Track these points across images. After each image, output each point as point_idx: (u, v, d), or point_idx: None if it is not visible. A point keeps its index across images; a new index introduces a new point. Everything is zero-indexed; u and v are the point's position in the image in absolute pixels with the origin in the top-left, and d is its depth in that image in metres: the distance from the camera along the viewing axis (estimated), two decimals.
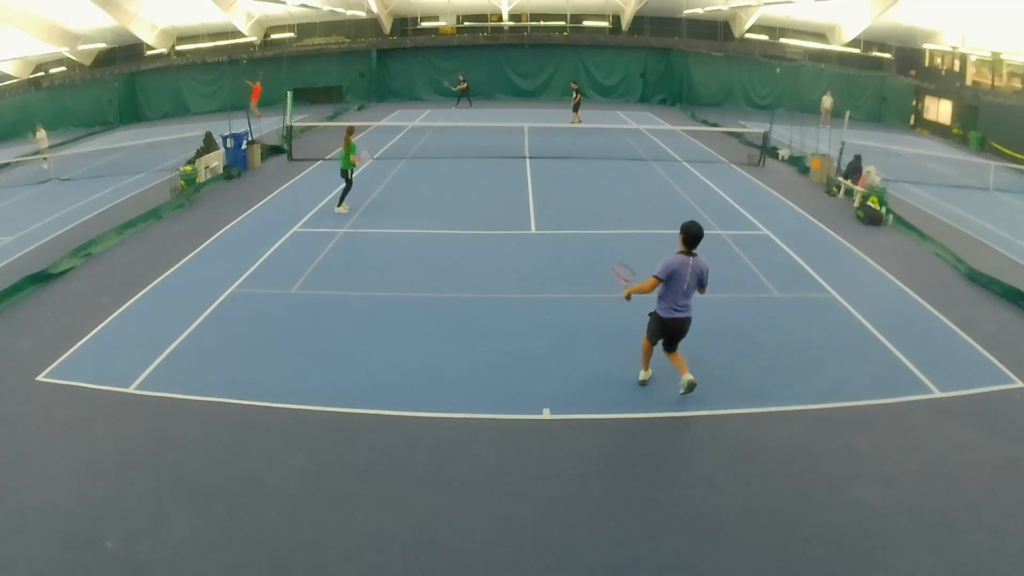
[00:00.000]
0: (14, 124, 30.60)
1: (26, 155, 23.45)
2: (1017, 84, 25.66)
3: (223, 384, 7.10)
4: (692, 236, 6.51)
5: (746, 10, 31.24)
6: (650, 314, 6.90)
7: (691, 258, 6.52)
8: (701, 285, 6.66)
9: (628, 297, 6.86)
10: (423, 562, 4.79)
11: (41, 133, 22.43)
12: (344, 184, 13.79)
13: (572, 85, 26.77)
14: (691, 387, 6.68)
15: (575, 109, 25.38)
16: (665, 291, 6.61)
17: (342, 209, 13.62)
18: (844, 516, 5.23)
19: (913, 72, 30.81)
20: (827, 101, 27.84)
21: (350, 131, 14.00)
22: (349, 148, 13.50)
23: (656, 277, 6.54)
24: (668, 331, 6.77)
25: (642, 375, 7.19)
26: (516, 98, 33.64)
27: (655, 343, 6.95)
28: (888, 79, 31.28)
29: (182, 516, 5.20)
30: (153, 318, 8.81)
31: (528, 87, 34.24)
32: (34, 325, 8.71)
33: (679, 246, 6.58)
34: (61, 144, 24.69)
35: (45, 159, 21.61)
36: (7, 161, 22.42)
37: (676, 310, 6.64)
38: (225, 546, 4.93)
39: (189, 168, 15.87)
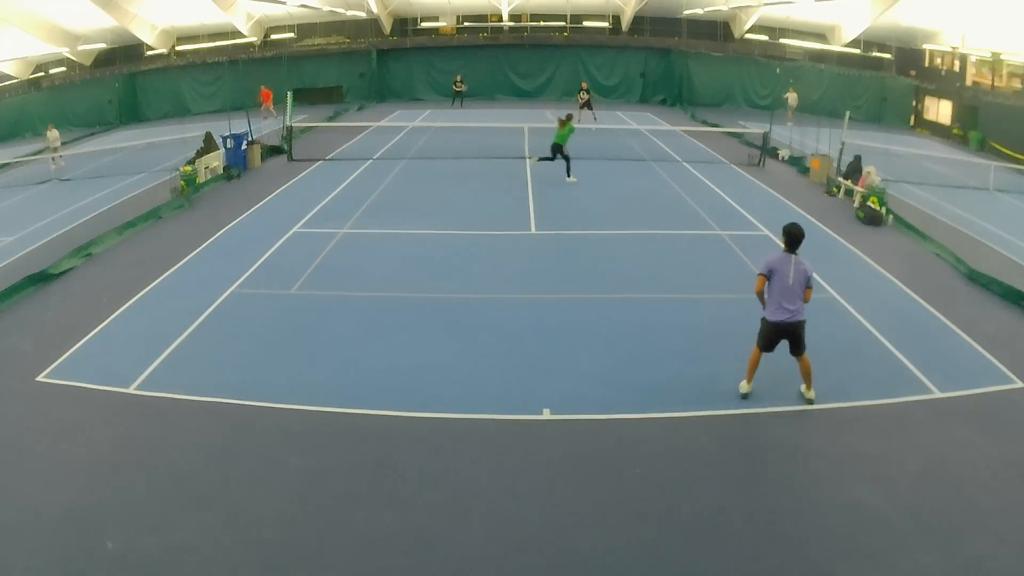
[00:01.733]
0: (14, 124, 30.62)
1: (26, 155, 23.46)
2: (1017, 84, 25.67)
3: (223, 384, 7.10)
4: (793, 237, 6.51)
5: (746, 10, 31.24)
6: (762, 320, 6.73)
7: (794, 257, 6.48)
8: (807, 290, 6.56)
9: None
10: (423, 562, 4.79)
11: (53, 132, 22.10)
12: (564, 159, 15.88)
13: (583, 85, 27.08)
14: (809, 402, 6.73)
15: (589, 107, 25.59)
16: (770, 291, 6.54)
17: (573, 179, 15.98)
18: (844, 516, 5.23)
19: (913, 72, 30.81)
20: (792, 97, 27.91)
21: (568, 117, 16.21)
22: (568, 129, 15.75)
23: (761, 274, 6.54)
24: (778, 335, 6.63)
25: (743, 387, 6.89)
26: (516, 98, 33.63)
27: (763, 349, 6.76)
28: (888, 79, 31.30)
29: (182, 516, 5.19)
30: (153, 318, 8.81)
31: (528, 87, 34.24)
32: (34, 325, 8.71)
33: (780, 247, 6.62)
34: (61, 144, 24.64)
35: (56, 157, 21.40)
36: (7, 161, 22.39)
37: (785, 311, 6.49)
38: (225, 546, 4.93)
39: (189, 168, 15.87)
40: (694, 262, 11.15)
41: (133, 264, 10.95)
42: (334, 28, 34.76)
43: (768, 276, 6.50)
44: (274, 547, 4.91)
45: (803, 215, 13.96)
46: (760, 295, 6.66)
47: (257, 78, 29.26)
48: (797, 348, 6.68)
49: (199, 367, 7.55)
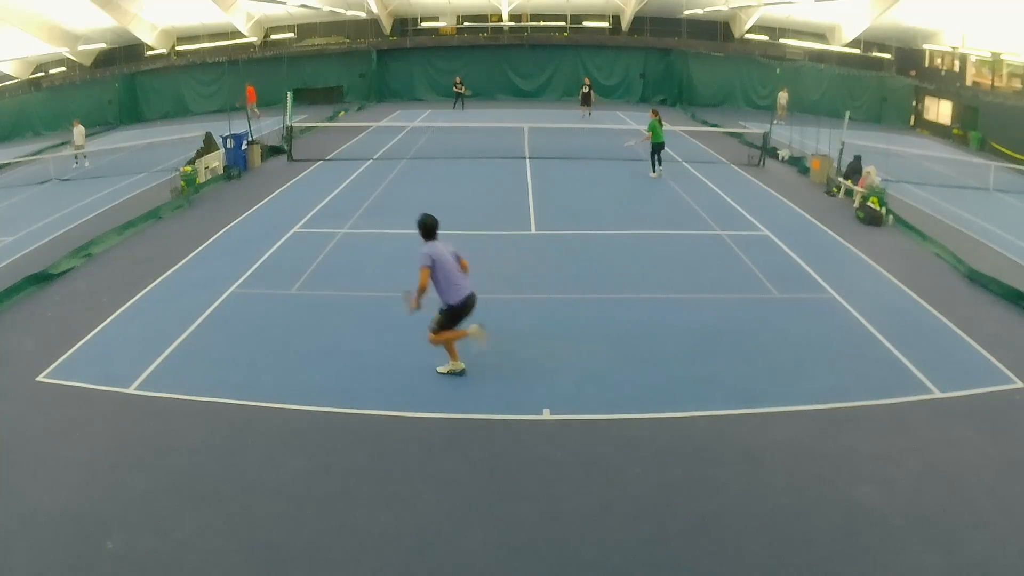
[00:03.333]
0: (14, 124, 30.60)
1: (26, 155, 23.44)
2: (1017, 84, 25.67)
3: (223, 384, 7.10)
4: (430, 227, 7.02)
5: (746, 10, 31.24)
6: (441, 311, 7.04)
7: (439, 242, 6.97)
8: (460, 258, 7.10)
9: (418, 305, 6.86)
10: (423, 562, 4.79)
11: (79, 128, 21.34)
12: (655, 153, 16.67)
13: (585, 80, 28.74)
14: (462, 373, 7.24)
15: (588, 102, 27.34)
16: (440, 278, 6.87)
17: (654, 175, 16.74)
18: (844, 516, 5.23)
19: (913, 72, 30.81)
20: (783, 97, 27.97)
21: (654, 112, 17.18)
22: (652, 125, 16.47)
23: (424, 266, 6.79)
24: (466, 313, 7.07)
25: (458, 366, 7.29)
26: (516, 98, 33.63)
27: (455, 326, 7.11)
28: (888, 79, 31.28)
29: (182, 516, 5.20)
30: (153, 318, 8.81)
31: (528, 87, 34.24)
32: (34, 325, 8.71)
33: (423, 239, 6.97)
34: (61, 144, 24.66)
35: (81, 156, 21.12)
36: (7, 161, 22.37)
37: (462, 288, 7.00)
38: (225, 546, 4.93)
39: (189, 168, 15.87)
40: (694, 262, 11.15)
41: (133, 264, 10.95)
42: (334, 28, 34.75)
43: (432, 267, 6.79)
44: (274, 547, 4.91)
45: (803, 215, 13.97)
46: (424, 288, 6.79)
47: (257, 78, 29.25)
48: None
49: (199, 367, 7.55)
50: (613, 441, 6.24)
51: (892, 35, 30.11)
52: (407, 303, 6.83)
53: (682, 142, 22.24)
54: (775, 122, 22.04)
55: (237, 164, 17.77)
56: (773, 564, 4.78)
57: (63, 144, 23.69)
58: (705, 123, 26.17)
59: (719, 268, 10.75)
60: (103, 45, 32.49)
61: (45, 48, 30.59)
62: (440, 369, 7.32)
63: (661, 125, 16.64)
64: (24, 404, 6.83)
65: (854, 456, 6.00)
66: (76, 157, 21.17)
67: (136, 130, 28.94)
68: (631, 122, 26.65)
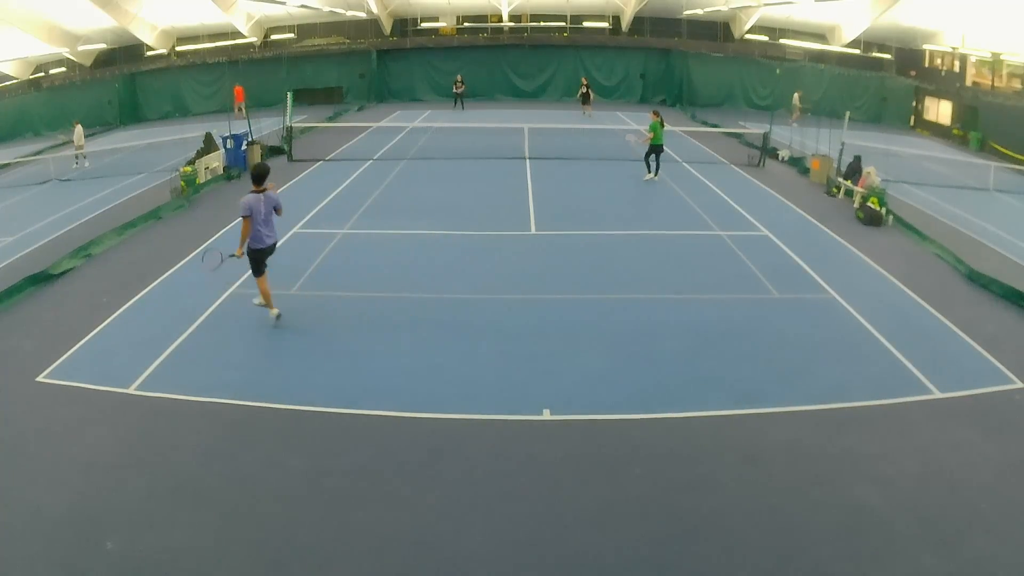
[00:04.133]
0: (14, 124, 30.61)
1: (26, 155, 23.45)
2: (1017, 84, 25.67)
3: (223, 384, 7.10)
4: (258, 175, 8.11)
5: (746, 11, 31.25)
6: (246, 252, 8.15)
7: (262, 193, 8.05)
8: (277, 210, 8.28)
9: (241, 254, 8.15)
10: (423, 562, 4.79)
11: (79, 129, 21.45)
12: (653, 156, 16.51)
13: (583, 81, 29.59)
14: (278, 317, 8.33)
15: (586, 101, 28.21)
16: (252, 227, 8.00)
17: (650, 176, 16.55)
18: (844, 516, 5.23)
19: (913, 73, 30.81)
20: (797, 99, 28.00)
21: (655, 113, 16.74)
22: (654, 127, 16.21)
23: (243, 216, 7.94)
24: (264, 257, 8.21)
25: (273, 312, 8.36)
26: (516, 99, 33.65)
27: (260, 273, 8.28)
28: (888, 80, 31.29)
29: (182, 516, 5.20)
30: (153, 318, 8.81)
31: (528, 88, 34.25)
32: (34, 325, 8.71)
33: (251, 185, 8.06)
34: (62, 144, 24.68)
35: (80, 156, 21.16)
36: (7, 161, 22.37)
37: (268, 237, 8.20)
38: (225, 546, 4.93)
39: (189, 169, 15.88)
40: (694, 262, 11.15)
41: (133, 264, 10.95)
42: (334, 28, 34.76)
43: (250, 215, 7.94)
44: (274, 547, 4.92)
45: (803, 215, 13.97)
46: (247, 236, 8.04)
47: (257, 78, 29.29)
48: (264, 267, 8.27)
49: (199, 367, 7.55)
50: (613, 441, 6.24)
51: (892, 35, 30.12)
52: (221, 255, 8.30)
53: (682, 142, 22.25)
54: (790, 124, 21.96)
55: (237, 164, 17.77)
56: (773, 564, 4.78)
57: (65, 144, 23.68)
58: (705, 123, 26.19)
59: (719, 268, 10.75)
60: (103, 45, 32.50)
61: (45, 48, 30.61)
62: (255, 301, 8.51)
63: (663, 127, 16.58)
64: (24, 404, 6.83)
65: (854, 456, 6.00)
66: (76, 157, 21.17)
67: (136, 130, 28.98)
68: (631, 122, 26.64)
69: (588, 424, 6.47)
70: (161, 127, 28.28)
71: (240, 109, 26.20)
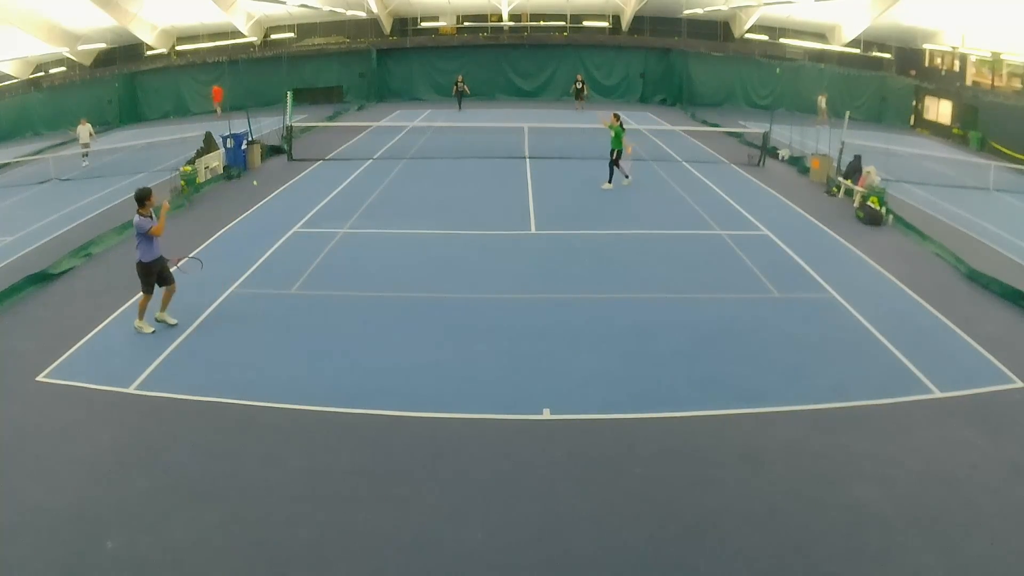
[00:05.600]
0: (14, 124, 30.59)
1: (26, 155, 23.42)
2: (1017, 84, 25.66)
3: (223, 384, 7.11)
4: (137, 199, 8.25)
5: (746, 10, 31.23)
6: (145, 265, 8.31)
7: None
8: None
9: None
10: (423, 562, 4.79)
11: (85, 127, 21.37)
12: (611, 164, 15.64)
13: (578, 77, 30.47)
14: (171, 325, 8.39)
15: (579, 96, 29.49)
16: (141, 240, 8.30)
17: (608, 186, 15.61)
18: (844, 516, 5.23)
19: (913, 72, 30.81)
20: (823, 101, 27.92)
21: (616, 117, 15.65)
22: (618, 132, 15.26)
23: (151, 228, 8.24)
24: (158, 269, 8.42)
25: (145, 327, 8.33)
26: (516, 98, 33.64)
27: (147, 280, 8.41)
28: (888, 79, 31.29)
29: (182, 516, 5.20)
30: (153, 318, 8.80)
31: (528, 87, 34.24)
32: (34, 325, 8.71)
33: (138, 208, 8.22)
34: (61, 144, 24.66)
35: (85, 154, 21.12)
36: (7, 161, 22.35)
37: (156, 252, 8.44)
38: (225, 546, 4.93)
39: (189, 168, 15.87)
40: (694, 262, 11.15)
41: (133, 264, 10.90)
42: (334, 28, 34.74)
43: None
44: (274, 547, 4.91)
45: (803, 215, 13.97)
46: (159, 233, 8.34)
47: (257, 78, 29.27)
48: (165, 280, 8.52)
49: (199, 367, 7.55)
50: (613, 441, 6.24)
51: (892, 35, 30.11)
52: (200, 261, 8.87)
53: (682, 142, 22.25)
54: (817, 126, 21.83)
55: (237, 164, 17.77)
56: (773, 564, 4.78)
57: (61, 144, 23.66)
58: (705, 123, 26.18)
59: (719, 268, 10.75)
60: (103, 45, 32.48)
61: (45, 48, 30.58)
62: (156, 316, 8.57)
63: (623, 131, 15.56)
64: (24, 404, 6.83)
65: (854, 456, 6.00)
66: (85, 155, 21.17)
67: (136, 130, 28.95)
68: (631, 122, 26.62)
69: (588, 424, 6.47)
70: (161, 126, 28.28)
71: (217, 110, 26.27)
